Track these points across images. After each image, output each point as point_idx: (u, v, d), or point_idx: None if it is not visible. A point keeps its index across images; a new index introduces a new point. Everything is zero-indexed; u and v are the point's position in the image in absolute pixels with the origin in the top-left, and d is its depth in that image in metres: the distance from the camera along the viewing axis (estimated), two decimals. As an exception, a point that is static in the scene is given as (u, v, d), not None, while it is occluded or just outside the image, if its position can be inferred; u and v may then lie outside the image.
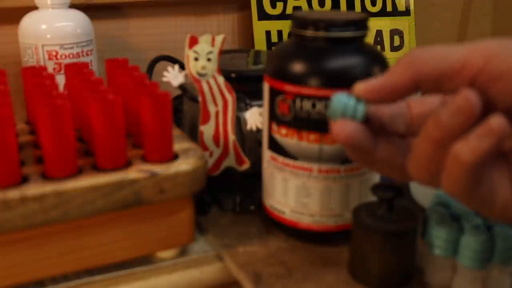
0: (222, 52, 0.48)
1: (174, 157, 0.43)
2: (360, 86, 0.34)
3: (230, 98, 0.49)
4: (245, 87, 0.53)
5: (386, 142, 0.35)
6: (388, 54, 0.88)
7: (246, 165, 0.51)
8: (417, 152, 0.33)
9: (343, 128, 0.33)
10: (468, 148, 0.30)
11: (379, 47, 0.88)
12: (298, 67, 0.42)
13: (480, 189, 0.31)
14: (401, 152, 0.35)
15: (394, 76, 0.33)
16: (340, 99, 0.34)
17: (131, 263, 0.44)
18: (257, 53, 0.69)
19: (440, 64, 0.32)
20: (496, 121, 0.29)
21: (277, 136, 0.45)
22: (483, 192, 0.32)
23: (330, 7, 0.84)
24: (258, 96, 0.48)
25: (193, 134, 0.53)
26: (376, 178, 0.47)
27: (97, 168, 0.41)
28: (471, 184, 0.31)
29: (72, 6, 0.62)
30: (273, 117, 0.45)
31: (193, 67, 0.48)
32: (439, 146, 0.31)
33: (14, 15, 0.63)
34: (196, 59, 0.48)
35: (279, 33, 0.81)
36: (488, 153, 0.29)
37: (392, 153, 0.35)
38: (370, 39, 0.86)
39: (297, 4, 0.82)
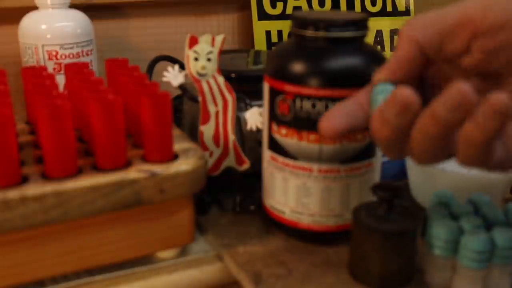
0: (222, 52, 0.48)
1: (174, 157, 0.43)
2: (381, 74, 0.34)
3: (230, 98, 0.49)
4: (245, 87, 0.53)
5: None
6: (388, 54, 0.88)
7: (246, 165, 0.51)
8: (416, 143, 0.32)
9: (410, 91, 0.32)
10: (478, 129, 0.29)
11: (379, 47, 0.88)
12: (298, 67, 0.42)
13: (495, 156, 0.31)
14: None
15: (401, 51, 0.33)
16: (382, 88, 0.34)
17: (131, 263, 0.44)
18: (257, 53, 0.69)
19: (438, 25, 0.32)
20: (497, 99, 0.28)
21: (277, 136, 0.45)
22: (498, 157, 0.32)
23: (330, 7, 0.84)
24: (258, 96, 0.48)
25: (193, 134, 0.53)
26: (376, 178, 0.47)
27: (97, 168, 0.41)
28: (487, 156, 0.31)
29: (72, 6, 0.62)
30: (273, 117, 0.45)
31: (193, 67, 0.48)
32: (438, 139, 0.31)
33: (14, 15, 0.63)
34: (196, 59, 0.48)
35: (279, 33, 0.81)
36: (497, 129, 0.29)
37: None
38: (370, 39, 0.86)
39: (297, 4, 0.82)
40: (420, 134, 0.32)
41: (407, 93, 0.31)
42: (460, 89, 0.29)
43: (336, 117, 0.36)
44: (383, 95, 0.34)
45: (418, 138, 0.32)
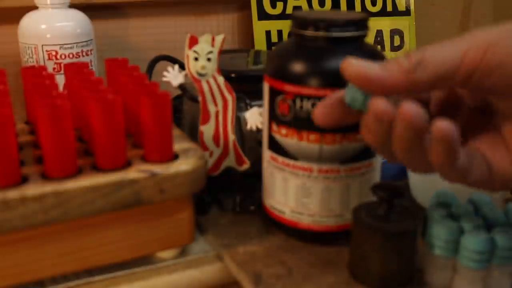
0: (222, 52, 0.48)
1: (174, 157, 0.43)
2: (352, 69, 0.33)
3: (230, 98, 0.49)
4: (245, 87, 0.53)
5: None
6: (388, 54, 0.88)
7: (246, 165, 0.51)
8: (396, 152, 0.34)
9: (385, 104, 0.32)
10: (433, 152, 0.32)
11: (379, 47, 0.88)
12: (298, 67, 0.42)
13: (473, 175, 0.33)
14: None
15: (389, 74, 0.33)
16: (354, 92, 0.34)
17: (131, 263, 0.44)
18: (257, 53, 0.69)
19: (436, 68, 0.32)
20: (440, 126, 0.30)
21: (277, 136, 0.45)
22: (478, 177, 0.33)
23: (330, 7, 0.84)
24: (258, 96, 0.48)
25: (193, 134, 0.53)
26: (376, 178, 0.47)
27: (97, 168, 0.41)
28: (462, 175, 0.33)
29: (72, 6, 0.62)
30: (273, 117, 0.45)
31: (193, 67, 0.48)
32: (411, 152, 0.33)
33: (14, 15, 0.63)
34: (196, 59, 0.48)
35: (279, 33, 0.81)
36: (449, 153, 0.31)
37: None
38: (370, 39, 0.86)
39: (297, 4, 0.82)
40: (395, 144, 0.33)
41: (380, 104, 0.32)
42: (406, 111, 0.30)
43: (327, 106, 0.36)
44: (360, 102, 0.34)
45: (396, 147, 0.33)
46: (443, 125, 0.30)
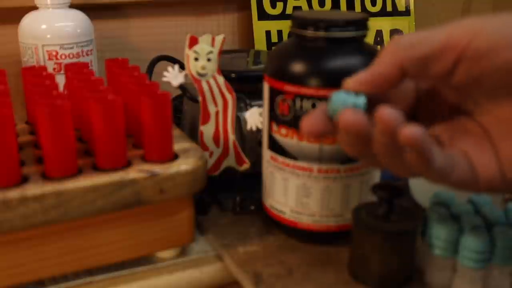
0: (222, 52, 0.48)
1: (174, 157, 0.43)
2: (350, 82, 0.34)
3: (230, 98, 0.49)
4: (245, 87, 0.53)
5: None
6: (388, 54, 0.88)
7: (246, 165, 0.51)
8: (379, 158, 0.34)
9: (353, 116, 0.32)
10: (411, 156, 0.31)
11: (379, 47, 0.88)
12: (298, 67, 0.42)
13: (453, 176, 0.33)
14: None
15: (380, 66, 0.33)
16: (340, 97, 0.34)
17: (131, 263, 0.44)
18: (257, 53, 0.69)
19: (423, 47, 0.32)
20: (408, 132, 0.30)
21: (277, 136, 0.45)
22: (460, 178, 0.33)
23: (330, 7, 0.84)
24: (258, 96, 0.48)
25: (193, 134, 0.53)
26: (376, 178, 0.47)
27: (97, 168, 0.41)
28: (441, 177, 0.32)
29: (72, 6, 0.62)
30: (273, 117, 0.45)
31: (193, 67, 0.48)
32: (391, 157, 0.33)
33: (14, 15, 0.63)
34: (196, 59, 0.48)
35: (279, 33, 0.81)
36: (420, 158, 0.31)
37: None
38: (370, 39, 0.86)
39: (297, 4, 0.82)
40: (376, 150, 0.33)
41: (349, 117, 0.32)
42: (382, 115, 0.30)
43: (315, 118, 0.35)
44: (341, 106, 0.34)
45: (377, 153, 0.33)
46: (410, 131, 0.29)
